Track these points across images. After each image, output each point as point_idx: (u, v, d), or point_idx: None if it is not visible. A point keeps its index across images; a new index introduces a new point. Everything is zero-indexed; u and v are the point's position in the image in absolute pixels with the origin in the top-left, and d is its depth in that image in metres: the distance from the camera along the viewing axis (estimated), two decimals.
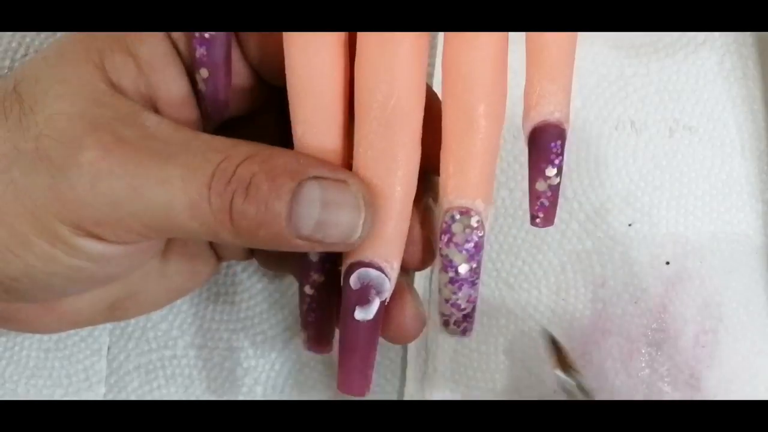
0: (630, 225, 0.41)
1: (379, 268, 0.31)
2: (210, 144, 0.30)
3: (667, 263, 0.41)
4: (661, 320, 0.41)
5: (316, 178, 0.29)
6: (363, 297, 0.31)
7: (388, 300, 0.31)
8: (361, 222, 0.29)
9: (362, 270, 0.31)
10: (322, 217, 0.29)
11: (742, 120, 0.42)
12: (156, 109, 0.32)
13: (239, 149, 0.29)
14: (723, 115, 0.42)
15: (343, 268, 0.31)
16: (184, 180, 0.28)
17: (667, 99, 0.42)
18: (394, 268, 0.31)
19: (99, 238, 0.29)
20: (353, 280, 0.31)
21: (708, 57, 0.42)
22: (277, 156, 0.29)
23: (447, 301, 0.32)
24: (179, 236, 0.30)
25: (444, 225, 0.31)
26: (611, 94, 0.42)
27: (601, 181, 0.41)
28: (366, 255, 0.31)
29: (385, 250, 0.31)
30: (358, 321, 0.31)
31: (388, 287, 0.31)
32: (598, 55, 0.42)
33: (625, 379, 0.40)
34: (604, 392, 0.40)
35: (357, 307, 0.31)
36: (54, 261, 0.30)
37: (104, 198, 0.29)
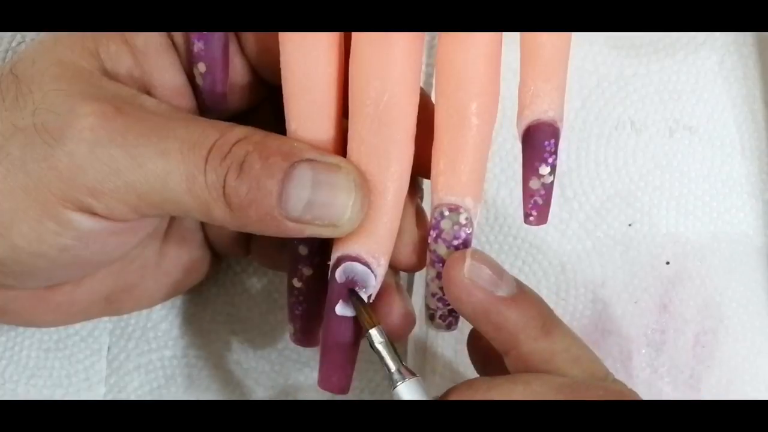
0: (630, 225, 0.41)
1: (366, 264, 0.31)
2: (208, 123, 0.30)
3: (667, 263, 0.41)
4: (661, 320, 0.41)
5: (308, 160, 0.29)
6: (346, 291, 0.31)
7: (373, 297, 0.31)
8: (350, 203, 0.29)
9: (348, 264, 0.31)
10: (313, 197, 0.29)
11: (742, 120, 0.42)
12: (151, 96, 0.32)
13: (236, 130, 0.30)
14: (723, 115, 0.42)
15: (331, 262, 0.31)
16: (183, 153, 0.29)
17: (667, 99, 0.42)
18: (381, 265, 0.31)
19: (90, 212, 0.30)
20: (338, 274, 0.31)
21: (708, 57, 0.42)
22: (272, 139, 0.30)
23: (434, 295, 0.32)
24: (172, 212, 0.30)
25: (433, 221, 0.31)
26: (611, 94, 0.42)
27: (601, 181, 0.41)
28: (353, 249, 0.31)
29: (373, 246, 0.31)
30: (340, 316, 0.31)
31: (374, 283, 0.31)
32: (598, 55, 0.42)
33: (625, 379, 0.40)
34: None
35: (340, 302, 0.31)
36: (40, 240, 0.30)
37: (102, 165, 0.29)
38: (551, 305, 0.41)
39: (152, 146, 0.29)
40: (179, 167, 0.29)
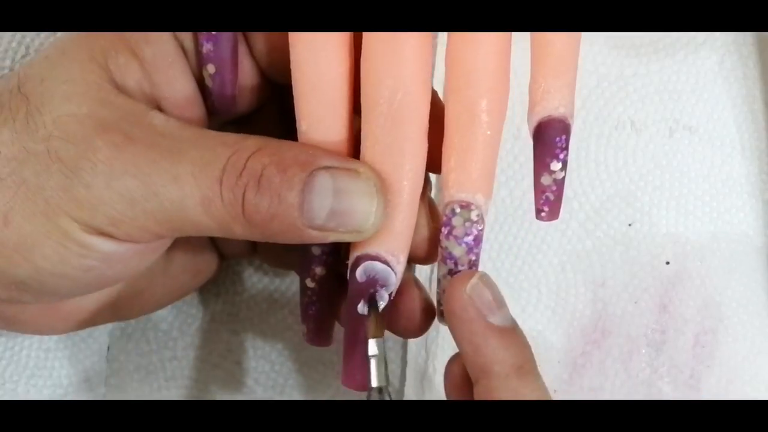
0: (630, 225, 0.41)
1: (386, 262, 0.31)
2: (218, 139, 0.30)
3: (667, 263, 0.41)
4: (661, 320, 0.41)
5: (326, 168, 0.29)
6: (368, 290, 0.31)
7: (393, 294, 0.31)
8: (374, 209, 0.29)
9: (368, 263, 0.31)
10: (335, 205, 0.29)
11: (742, 120, 0.42)
12: (160, 109, 0.32)
13: (248, 143, 0.29)
14: (723, 115, 0.42)
15: (350, 261, 0.31)
16: (195, 176, 0.29)
17: (667, 99, 0.42)
18: (400, 262, 0.31)
19: (111, 236, 0.29)
20: (359, 273, 0.31)
21: (708, 57, 0.42)
22: (287, 148, 0.29)
23: (445, 292, 0.32)
24: (193, 234, 0.30)
25: (444, 218, 0.31)
26: (611, 94, 0.42)
27: (601, 181, 0.41)
28: (372, 248, 0.31)
29: (392, 244, 0.31)
30: (362, 315, 0.31)
31: (394, 281, 0.31)
32: (598, 55, 0.42)
33: (625, 379, 0.40)
34: (604, 392, 0.41)
35: (361, 301, 0.31)
36: (63, 262, 0.30)
37: (120, 197, 0.29)
38: (551, 305, 0.41)
39: (164, 173, 0.29)
40: (193, 191, 0.29)
